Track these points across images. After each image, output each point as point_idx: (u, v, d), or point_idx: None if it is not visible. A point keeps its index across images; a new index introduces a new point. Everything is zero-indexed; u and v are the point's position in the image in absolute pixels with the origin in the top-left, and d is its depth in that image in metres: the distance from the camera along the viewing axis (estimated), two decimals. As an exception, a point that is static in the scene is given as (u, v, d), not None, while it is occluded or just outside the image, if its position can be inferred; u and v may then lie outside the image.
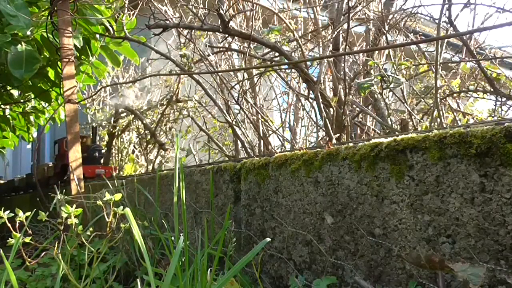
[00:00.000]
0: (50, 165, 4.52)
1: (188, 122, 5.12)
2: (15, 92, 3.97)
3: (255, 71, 3.87)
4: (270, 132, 3.93)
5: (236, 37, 3.34)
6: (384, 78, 2.48)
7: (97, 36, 3.38)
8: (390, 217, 1.18)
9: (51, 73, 3.52)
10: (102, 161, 4.10)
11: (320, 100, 2.99)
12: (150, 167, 4.90)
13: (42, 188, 3.63)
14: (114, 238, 1.43)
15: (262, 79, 4.04)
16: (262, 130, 3.77)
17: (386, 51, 3.30)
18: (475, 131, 1.01)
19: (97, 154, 3.82)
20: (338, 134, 2.94)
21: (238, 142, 3.54)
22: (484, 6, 2.32)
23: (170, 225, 2.09)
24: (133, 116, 5.17)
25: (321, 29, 3.45)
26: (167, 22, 3.01)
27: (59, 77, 3.41)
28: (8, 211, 1.31)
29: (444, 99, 3.03)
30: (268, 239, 1.29)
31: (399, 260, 1.16)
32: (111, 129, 5.40)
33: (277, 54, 3.35)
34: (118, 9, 3.27)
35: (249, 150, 3.63)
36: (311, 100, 3.55)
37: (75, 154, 2.73)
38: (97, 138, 3.98)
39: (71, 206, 1.37)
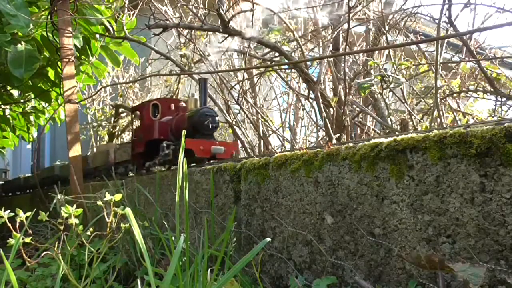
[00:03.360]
0: (117, 145, 3.35)
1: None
2: (15, 92, 3.98)
3: (255, 71, 3.88)
4: (270, 132, 3.93)
5: (236, 37, 3.34)
6: (384, 78, 2.48)
7: (97, 36, 3.38)
8: (390, 217, 1.18)
9: (51, 73, 3.52)
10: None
11: (320, 100, 2.99)
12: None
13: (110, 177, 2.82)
14: (114, 238, 1.44)
15: (262, 79, 4.04)
16: (262, 130, 3.77)
17: (386, 51, 3.30)
18: (475, 131, 1.01)
19: (209, 122, 2.37)
20: (338, 134, 2.94)
21: (238, 142, 3.55)
22: (484, 6, 2.32)
23: (170, 225, 2.10)
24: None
25: (321, 29, 3.45)
26: (167, 22, 3.01)
27: (59, 77, 3.41)
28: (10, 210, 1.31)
29: (444, 99, 3.03)
30: (268, 239, 1.29)
31: (399, 260, 1.16)
32: (111, 129, 5.40)
33: (277, 54, 3.35)
34: (118, 9, 3.27)
35: (249, 150, 3.64)
36: (311, 100, 3.55)
37: (75, 154, 2.73)
38: (207, 99, 2.51)
39: (71, 206, 1.37)
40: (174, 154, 2.36)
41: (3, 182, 6.80)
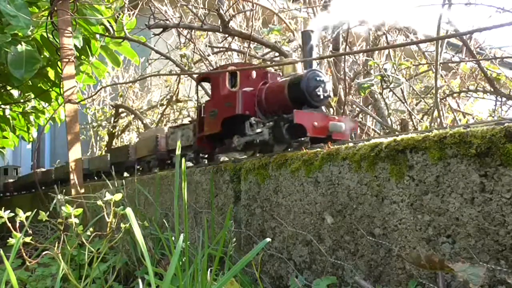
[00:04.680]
0: (171, 128, 2.72)
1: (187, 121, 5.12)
2: (15, 92, 3.98)
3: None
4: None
5: (236, 37, 3.34)
6: (384, 78, 2.48)
7: (97, 36, 3.38)
8: (390, 217, 1.18)
9: (51, 73, 3.52)
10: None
11: (320, 100, 2.98)
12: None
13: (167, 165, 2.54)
14: (114, 238, 1.44)
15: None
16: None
17: (386, 51, 3.30)
18: (475, 131, 1.01)
19: (320, 89, 1.79)
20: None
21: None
22: (484, 6, 2.32)
23: (170, 225, 2.10)
24: (133, 116, 5.17)
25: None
26: (167, 22, 3.01)
27: (59, 77, 3.41)
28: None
29: (444, 99, 3.03)
30: (268, 239, 1.29)
31: (399, 260, 1.16)
32: (111, 129, 5.41)
33: (277, 54, 3.35)
34: (118, 9, 3.27)
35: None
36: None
37: (75, 154, 2.73)
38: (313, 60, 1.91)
39: (72, 206, 1.37)
40: (273, 133, 1.78)
41: (15, 179, 6.69)
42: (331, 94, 1.88)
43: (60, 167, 4.70)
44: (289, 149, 1.78)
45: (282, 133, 1.73)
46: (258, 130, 1.86)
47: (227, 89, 2.11)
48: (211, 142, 2.23)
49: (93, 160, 4.06)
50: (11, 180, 6.76)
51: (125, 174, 3.36)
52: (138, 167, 3.15)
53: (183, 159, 1.31)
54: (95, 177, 4.01)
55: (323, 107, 1.84)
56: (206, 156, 2.45)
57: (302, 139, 1.76)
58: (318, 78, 1.80)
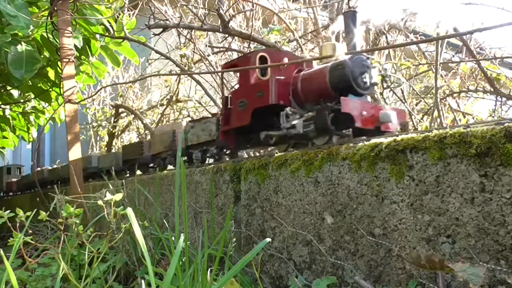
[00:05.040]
0: (190, 122, 2.51)
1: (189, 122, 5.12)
2: (15, 92, 3.98)
3: (255, 71, 3.87)
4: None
5: (236, 37, 3.34)
6: (384, 78, 2.48)
7: (97, 36, 3.38)
8: (390, 217, 1.18)
9: (51, 73, 3.52)
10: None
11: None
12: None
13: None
14: (114, 238, 1.44)
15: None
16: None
17: (386, 51, 3.30)
18: (475, 131, 1.01)
19: (366, 75, 1.65)
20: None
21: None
22: (484, 6, 2.32)
23: (170, 225, 2.09)
24: (133, 116, 5.17)
25: (321, 29, 3.45)
26: (167, 22, 3.01)
27: (59, 77, 3.42)
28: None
29: (444, 99, 3.03)
30: (268, 239, 1.29)
31: (399, 260, 1.16)
32: (111, 129, 5.41)
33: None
34: (118, 9, 3.27)
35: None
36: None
37: (75, 154, 2.73)
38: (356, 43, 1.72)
39: (72, 206, 1.37)
40: (315, 124, 1.61)
41: (19, 178, 6.55)
42: (378, 81, 1.72)
43: (66, 165, 4.52)
44: (330, 143, 1.59)
45: (326, 124, 1.54)
46: (295, 122, 1.69)
47: (257, 78, 1.94)
48: (237, 136, 2.06)
49: (104, 157, 3.82)
50: (14, 180, 6.62)
51: (138, 172, 3.12)
52: (151, 164, 2.99)
53: (182, 159, 1.31)
54: (105, 176, 3.76)
55: (368, 96, 1.67)
56: (228, 152, 2.26)
57: (345, 131, 1.62)
58: (364, 64, 1.64)
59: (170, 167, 2.77)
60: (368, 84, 1.65)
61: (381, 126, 1.58)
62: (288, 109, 1.75)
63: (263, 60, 1.97)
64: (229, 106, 2.03)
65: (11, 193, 6.74)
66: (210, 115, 2.42)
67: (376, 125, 1.57)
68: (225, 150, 2.23)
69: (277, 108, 1.77)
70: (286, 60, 1.92)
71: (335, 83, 1.66)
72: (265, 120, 1.86)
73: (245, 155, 2.27)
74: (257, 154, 2.02)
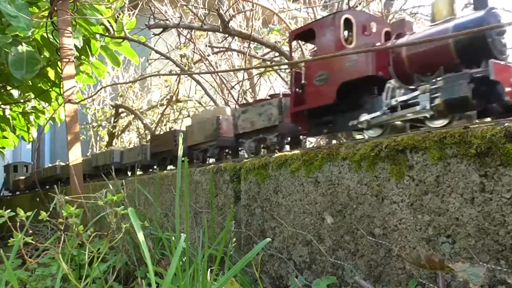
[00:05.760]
0: (240, 106, 2.23)
1: (188, 122, 5.12)
2: (15, 92, 3.98)
3: (255, 71, 3.88)
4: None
5: (236, 37, 3.34)
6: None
7: (97, 36, 3.38)
8: (390, 217, 1.18)
9: (51, 73, 3.52)
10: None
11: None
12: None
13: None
14: (114, 238, 1.43)
15: (262, 79, 4.04)
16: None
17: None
18: (475, 131, 1.01)
19: (505, 37, 1.30)
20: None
21: None
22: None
23: (170, 225, 2.10)
24: (133, 116, 5.18)
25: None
26: (167, 22, 3.01)
27: (59, 77, 3.41)
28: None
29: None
30: (269, 239, 1.29)
31: (399, 260, 1.16)
32: (111, 129, 5.41)
33: (277, 54, 3.35)
34: (118, 9, 3.27)
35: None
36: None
37: (75, 154, 2.73)
38: None
39: (72, 206, 1.37)
40: (446, 98, 1.25)
41: (26, 176, 6.27)
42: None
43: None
44: (449, 126, 1.27)
45: (465, 96, 1.20)
46: (403, 98, 1.36)
47: (342, 45, 1.61)
48: (311, 119, 1.73)
49: (128, 151, 3.44)
50: (21, 178, 6.30)
51: (170, 167, 2.74)
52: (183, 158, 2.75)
53: (185, 159, 1.31)
54: (130, 173, 3.34)
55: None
56: (289, 140, 1.97)
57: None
58: (500, 20, 1.30)
59: (212, 160, 2.45)
60: (506, 47, 1.28)
61: None
62: (393, 81, 1.41)
63: (348, 23, 1.63)
64: (302, 82, 1.70)
65: (18, 192, 6.43)
66: (267, 97, 2.07)
67: None
68: (287, 137, 1.91)
69: (375, 81, 1.45)
70: (374, 24, 1.64)
71: (463, 48, 1.30)
72: (356, 97, 1.53)
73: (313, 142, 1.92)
74: (335, 141, 1.68)
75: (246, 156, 2.09)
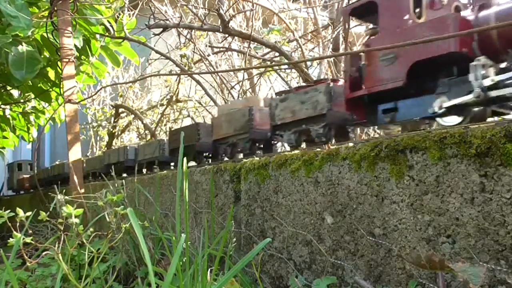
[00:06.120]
0: (280, 95, 1.91)
1: (188, 122, 5.12)
2: (15, 92, 3.98)
3: (255, 71, 3.88)
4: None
5: (236, 37, 3.34)
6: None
7: (97, 36, 3.38)
8: (390, 217, 1.18)
9: (51, 73, 3.52)
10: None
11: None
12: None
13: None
14: (114, 238, 1.44)
15: (262, 79, 4.04)
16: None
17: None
18: (475, 131, 1.01)
19: None
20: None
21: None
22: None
23: (170, 225, 2.10)
24: (133, 116, 5.18)
25: (321, 29, 3.45)
26: (167, 22, 3.01)
27: (59, 77, 3.41)
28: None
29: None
30: (269, 239, 1.29)
31: (399, 260, 1.16)
32: (111, 129, 5.41)
33: (277, 54, 3.35)
34: (118, 9, 3.27)
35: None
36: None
37: (75, 154, 2.73)
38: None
39: (72, 206, 1.37)
40: None
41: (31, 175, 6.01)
42: None
43: (92, 159, 4.07)
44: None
45: None
46: (503, 77, 1.17)
47: (412, 20, 1.42)
48: (369, 106, 1.53)
49: (144, 147, 3.14)
50: (26, 176, 6.01)
51: (192, 163, 2.50)
52: (205, 153, 2.41)
53: (185, 159, 1.31)
54: (146, 170, 3.08)
55: None
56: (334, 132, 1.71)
57: None
58: None
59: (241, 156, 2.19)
60: None
61: None
62: (483, 58, 1.22)
63: None
64: (361, 64, 1.52)
65: (22, 192, 6.19)
66: (311, 83, 1.82)
67: None
68: (335, 128, 1.67)
69: (456, 59, 1.28)
70: None
71: None
72: (424, 79, 1.34)
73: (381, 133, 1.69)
74: (399, 131, 1.43)
75: (282, 149, 1.89)
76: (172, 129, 3.33)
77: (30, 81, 3.44)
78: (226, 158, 2.26)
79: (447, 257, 1.05)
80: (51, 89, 3.69)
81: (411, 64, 1.34)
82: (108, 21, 3.20)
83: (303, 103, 1.71)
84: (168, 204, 2.23)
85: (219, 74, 3.81)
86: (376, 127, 1.65)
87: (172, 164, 2.86)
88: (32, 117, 4.47)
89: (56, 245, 1.34)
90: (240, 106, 2.10)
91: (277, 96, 1.87)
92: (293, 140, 1.80)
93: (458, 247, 1.03)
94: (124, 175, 3.33)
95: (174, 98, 4.66)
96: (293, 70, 3.60)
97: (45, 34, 2.94)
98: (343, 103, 1.58)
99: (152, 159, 2.97)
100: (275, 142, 1.91)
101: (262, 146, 2.10)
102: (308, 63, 3.19)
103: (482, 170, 0.99)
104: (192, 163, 2.48)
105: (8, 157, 7.73)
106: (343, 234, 1.32)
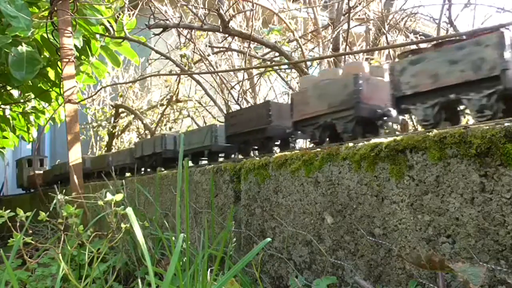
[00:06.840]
0: (414, 54, 1.31)
1: (188, 122, 5.12)
2: (15, 92, 3.98)
3: (255, 71, 3.88)
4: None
5: (236, 37, 3.34)
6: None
7: (97, 36, 3.38)
8: (390, 217, 1.18)
9: (51, 73, 3.52)
10: None
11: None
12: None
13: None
14: (114, 238, 1.44)
15: (262, 79, 4.04)
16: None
17: (386, 51, 3.30)
18: (475, 131, 1.01)
19: None
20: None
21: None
22: (484, 6, 2.32)
23: (170, 225, 2.10)
24: (133, 116, 5.18)
25: (321, 29, 3.45)
26: (167, 22, 3.01)
27: (59, 77, 3.42)
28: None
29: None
30: (269, 239, 1.29)
31: (399, 260, 1.16)
32: (111, 129, 5.41)
33: (277, 54, 3.35)
34: (118, 9, 3.27)
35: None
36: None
37: (75, 154, 2.73)
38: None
39: (72, 206, 1.37)
40: None
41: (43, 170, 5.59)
42: None
43: (116, 153, 3.65)
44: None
45: None
46: None
47: None
48: None
49: (189, 135, 2.51)
50: (38, 172, 5.47)
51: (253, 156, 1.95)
52: (279, 142, 1.88)
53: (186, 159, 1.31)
54: (192, 162, 2.50)
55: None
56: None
57: None
58: None
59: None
60: None
61: None
62: None
63: None
64: None
65: (32, 190, 5.65)
66: (462, 37, 1.35)
67: None
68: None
69: None
70: None
71: None
72: None
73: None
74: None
75: (411, 129, 1.37)
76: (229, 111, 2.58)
77: (30, 81, 3.44)
78: (311, 145, 1.70)
79: (447, 257, 1.05)
80: (51, 89, 3.69)
81: None
82: (108, 21, 3.20)
83: (454, 63, 1.22)
84: (168, 204, 2.23)
85: (219, 74, 3.81)
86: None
87: (232, 155, 2.32)
88: (32, 117, 4.47)
89: (56, 245, 1.34)
90: (337, 76, 1.57)
91: (407, 56, 1.35)
92: (430, 116, 1.30)
93: (458, 247, 1.03)
94: (162, 169, 2.76)
95: (174, 98, 4.66)
96: (293, 70, 3.60)
97: (45, 34, 2.94)
98: None
99: (200, 149, 2.37)
100: (397, 120, 1.44)
101: (368, 127, 1.53)
102: (308, 63, 3.19)
103: (482, 170, 0.99)
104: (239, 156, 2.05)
105: (8, 157, 7.71)
106: (343, 234, 1.32)
